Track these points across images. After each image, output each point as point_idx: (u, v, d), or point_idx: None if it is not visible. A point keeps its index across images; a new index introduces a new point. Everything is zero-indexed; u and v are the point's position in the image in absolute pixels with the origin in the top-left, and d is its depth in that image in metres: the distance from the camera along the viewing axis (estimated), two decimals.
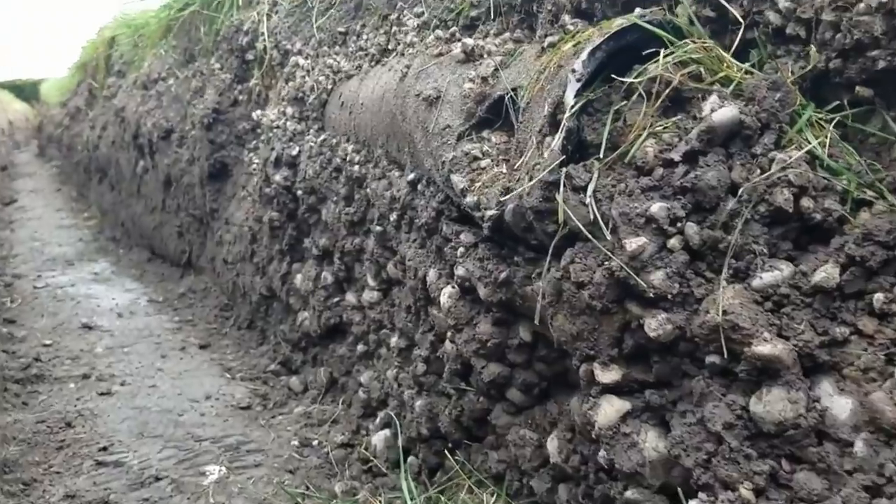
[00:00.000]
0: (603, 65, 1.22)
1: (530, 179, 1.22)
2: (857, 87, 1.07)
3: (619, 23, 1.23)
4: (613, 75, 1.19)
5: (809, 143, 1.05)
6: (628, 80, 1.15)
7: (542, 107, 1.29)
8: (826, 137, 1.08)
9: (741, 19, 1.19)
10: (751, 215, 1.05)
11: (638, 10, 1.28)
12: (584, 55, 1.19)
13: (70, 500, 1.66)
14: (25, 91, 22.57)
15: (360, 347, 2.08)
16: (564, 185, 1.17)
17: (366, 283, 2.00)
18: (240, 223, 2.94)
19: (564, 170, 1.17)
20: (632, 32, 1.22)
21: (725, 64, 1.15)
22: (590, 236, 1.13)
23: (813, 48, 1.11)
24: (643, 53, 1.18)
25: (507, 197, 1.28)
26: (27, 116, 19.06)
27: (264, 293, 2.70)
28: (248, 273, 2.86)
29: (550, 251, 1.21)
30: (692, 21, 1.22)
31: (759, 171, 1.05)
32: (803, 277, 1.01)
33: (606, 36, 1.20)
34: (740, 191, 1.04)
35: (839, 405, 0.95)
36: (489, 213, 1.31)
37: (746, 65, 1.19)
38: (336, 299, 2.21)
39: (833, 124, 1.09)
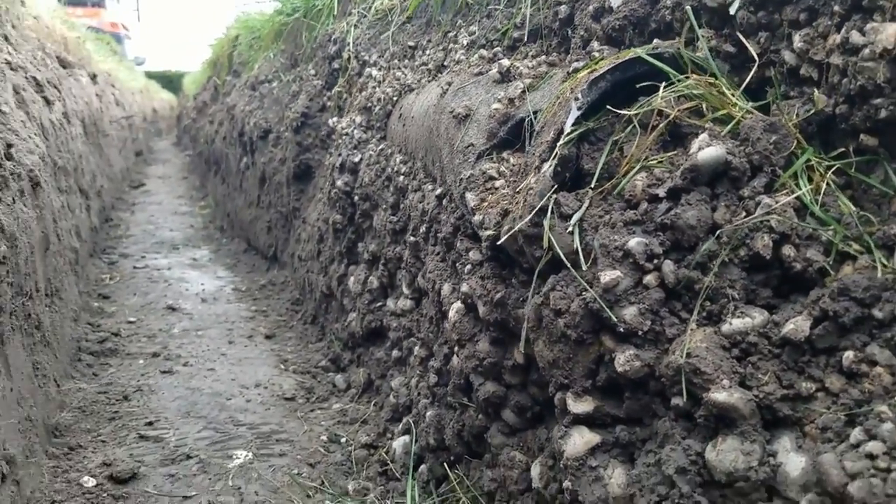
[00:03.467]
0: (608, 94, 1.21)
1: (525, 203, 1.23)
2: (862, 135, 1.01)
3: (628, 53, 1.22)
4: (612, 107, 1.19)
5: (800, 188, 1.00)
6: (626, 112, 1.14)
7: (549, 132, 1.29)
8: (822, 184, 1.02)
9: (756, 57, 1.15)
10: (729, 258, 1.01)
11: (656, 41, 1.27)
12: (585, 84, 1.19)
13: (105, 467, 1.81)
14: (174, 82, 24.42)
15: (395, 353, 2.14)
16: (552, 213, 1.17)
17: (402, 290, 2.06)
18: (313, 223, 3.09)
19: (554, 197, 1.17)
20: (640, 64, 1.20)
21: (728, 101, 1.11)
22: (569, 265, 1.13)
23: (818, 92, 1.05)
24: (648, 84, 1.17)
25: (504, 219, 1.30)
26: (172, 106, 20.59)
27: (325, 291, 2.82)
28: (315, 271, 3.00)
29: (535, 276, 1.22)
30: (708, 56, 1.19)
31: (744, 213, 1.02)
32: (775, 327, 0.97)
33: (610, 66, 1.19)
34: (718, 232, 1.01)
35: (793, 462, 0.90)
36: (487, 233, 1.33)
37: (758, 103, 1.15)
38: (379, 303, 2.28)
39: (832, 171, 1.03)
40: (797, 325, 0.94)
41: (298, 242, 3.38)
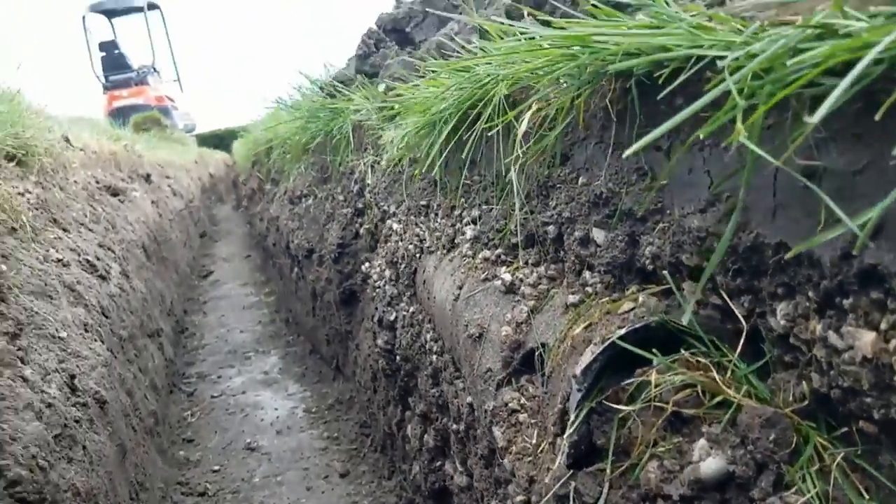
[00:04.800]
0: (606, 367, 1.21)
1: (545, 486, 1.24)
2: (861, 422, 0.98)
3: (617, 328, 1.22)
4: (612, 380, 1.19)
5: (807, 491, 0.98)
6: (623, 408, 1.14)
7: (556, 395, 1.30)
8: (832, 467, 1.00)
9: (743, 319, 1.13)
10: None
11: (642, 298, 1.26)
12: (580, 368, 1.20)
13: None
14: (225, 139, 25.27)
15: None
16: (574, 501, 1.18)
17: (456, 465, 2.10)
18: (365, 354, 3.16)
19: (573, 484, 1.19)
20: (632, 334, 1.20)
21: (722, 385, 1.10)
22: None
23: (811, 369, 1.03)
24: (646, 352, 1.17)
25: (532, 486, 1.31)
26: (227, 163, 21.25)
27: (387, 430, 2.89)
28: (374, 404, 3.07)
29: None
30: (696, 326, 1.17)
31: None
32: None
33: (599, 350, 1.19)
34: None
35: None
36: (519, 498, 1.35)
37: (756, 365, 1.13)
38: (438, 463, 2.33)
39: (840, 457, 1.00)
40: None
41: (356, 366, 3.46)
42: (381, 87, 2.82)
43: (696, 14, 1.08)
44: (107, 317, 3.17)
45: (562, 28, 1.28)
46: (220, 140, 25.45)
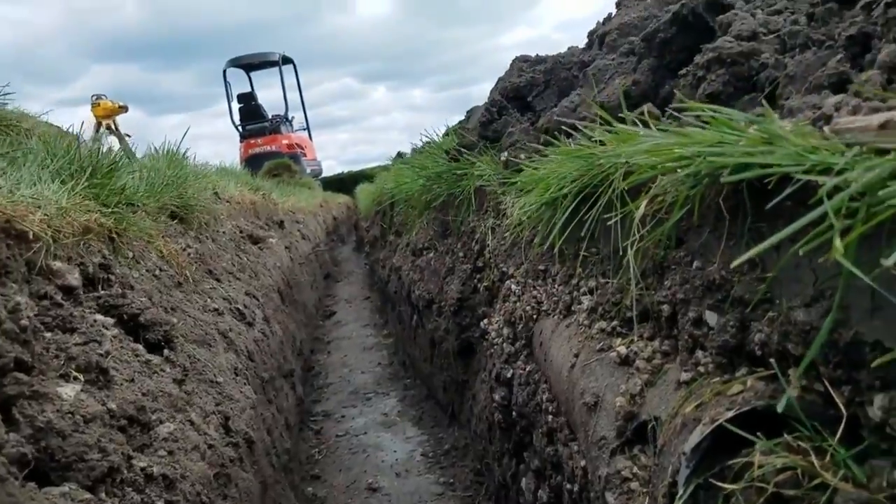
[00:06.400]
0: (712, 446, 1.31)
1: None
2: None
3: (726, 409, 1.32)
4: (718, 461, 1.29)
5: None
6: (727, 486, 1.24)
7: (666, 468, 1.41)
8: None
9: (843, 408, 1.20)
10: None
11: (752, 391, 1.35)
12: (689, 446, 1.31)
13: None
14: (347, 183, 26.51)
15: None
16: None
17: None
18: (481, 405, 3.32)
19: None
20: (740, 416, 1.30)
21: (821, 470, 1.18)
22: None
23: None
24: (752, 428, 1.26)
25: None
26: (349, 206, 22.24)
27: (500, 481, 3.02)
28: (490, 454, 3.22)
29: None
30: (799, 412, 1.26)
31: None
32: None
33: (709, 430, 1.30)
34: None
35: None
36: None
37: (853, 450, 1.20)
38: None
39: None
40: None
41: (472, 415, 3.63)
42: (503, 157, 3.03)
43: (804, 134, 1.20)
44: (252, 360, 3.51)
45: (684, 135, 1.43)
46: (342, 184, 26.74)
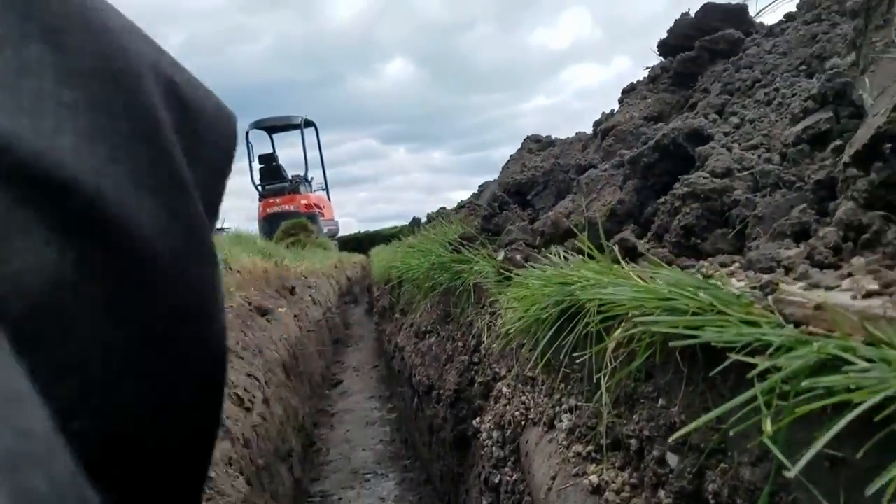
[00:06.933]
0: None
1: None
2: None
3: None
4: None
5: None
6: None
7: None
8: None
9: None
10: None
11: None
12: None
13: None
14: (363, 242, 26.80)
15: None
16: None
17: None
18: (474, 502, 3.33)
19: None
20: None
21: None
22: None
23: None
24: None
25: None
26: (363, 265, 22.41)
27: None
28: None
29: None
30: None
31: None
32: None
33: None
34: None
35: None
36: None
37: None
38: None
39: None
40: None
41: None
42: (500, 257, 3.13)
43: (746, 304, 1.28)
44: (248, 447, 3.56)
45: (643, 288, 1.51)
46: (358, 243, 27.08)
